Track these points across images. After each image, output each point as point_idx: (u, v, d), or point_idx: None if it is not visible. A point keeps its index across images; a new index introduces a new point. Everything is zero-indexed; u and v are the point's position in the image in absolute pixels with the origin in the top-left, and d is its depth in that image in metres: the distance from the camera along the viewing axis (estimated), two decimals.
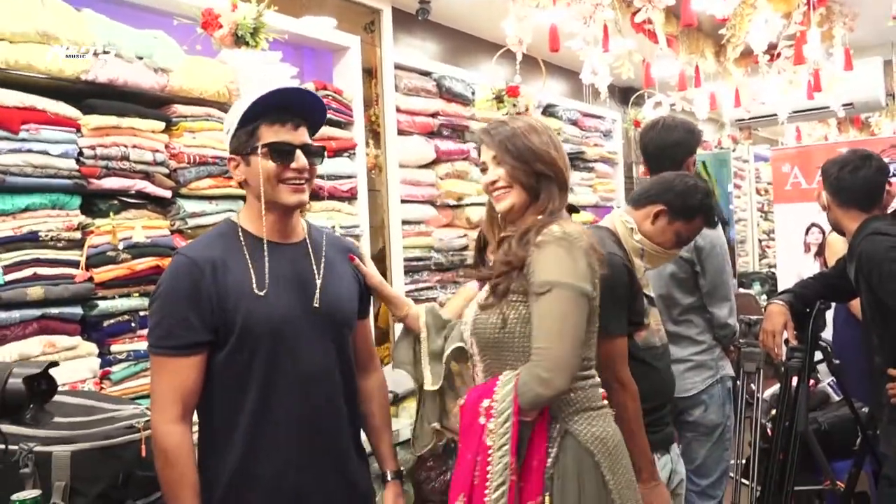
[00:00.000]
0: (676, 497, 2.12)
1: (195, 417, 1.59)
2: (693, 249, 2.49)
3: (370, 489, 1.71)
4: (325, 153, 1.63)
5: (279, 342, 1.50)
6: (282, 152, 1.50)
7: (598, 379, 1.58)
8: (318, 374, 1.55)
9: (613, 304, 1.73)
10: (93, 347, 2.30)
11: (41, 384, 1.72)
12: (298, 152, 1.52)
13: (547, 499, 1.42)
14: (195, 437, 1.59)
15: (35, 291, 2.16)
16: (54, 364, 1.74)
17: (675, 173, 2.14)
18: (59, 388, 1.79)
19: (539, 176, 1.55)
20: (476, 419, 1.45)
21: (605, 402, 1.58)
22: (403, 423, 2.73)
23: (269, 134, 1.50)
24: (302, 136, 1.55)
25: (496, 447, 1.39)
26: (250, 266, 1.51)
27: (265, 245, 1.54)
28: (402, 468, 1.83)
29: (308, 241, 1.64)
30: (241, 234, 1.55)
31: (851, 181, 2.18)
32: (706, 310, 2.54)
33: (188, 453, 1.48)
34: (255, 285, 1.49)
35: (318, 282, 1.58)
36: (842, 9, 4.36)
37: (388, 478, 1.74)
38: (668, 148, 2.53)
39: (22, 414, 1.67)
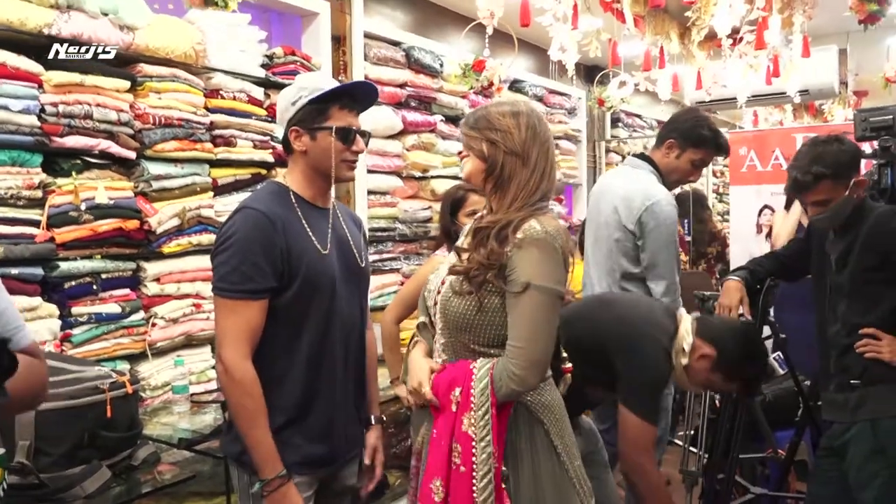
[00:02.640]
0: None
1: None
2: (637, 223, 2.54)
3: (362, 418, 1.90)
4: (370, 136, 1.82)
5: (332, 293, 1.69)
6: (348, 136, 1.69)
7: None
8: (354, 322, 1.77)
9: (654, 399, 2.00)
10: (53, 309, 2.28)
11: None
12: (358, 136, 1.72)
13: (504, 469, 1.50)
14: None
15: None
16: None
17: (740, 323, 2.22)
18: None
19: (493, 145, 1.53)
20: (448, 406, 1.51)
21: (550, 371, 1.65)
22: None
23: (340, 117, 1.69)
24: (360, 121, 1.76)
25: (478, 438, 1.46)
26: (307, 226, 1.68)
27: (325, 211, 1.75)
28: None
29: (335, 207, 1.83)
30: (293, 196, 1.71)
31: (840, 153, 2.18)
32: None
33: (259, 386, 1.59)
34: (318, 244, 1.68)
35: (355, 244, 1.80)
36: None
37: (373, 421, 1.92)
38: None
39: None
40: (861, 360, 2.12)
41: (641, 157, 2.75)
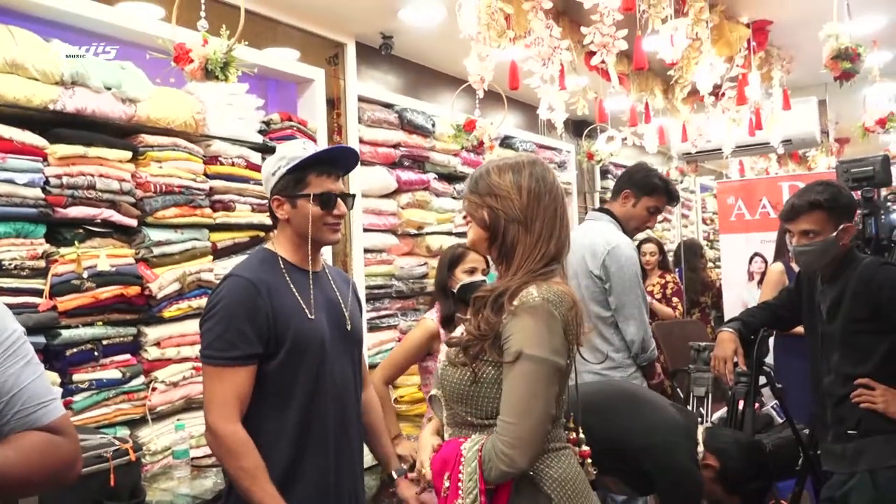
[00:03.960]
0: None
1: None
2: (601, 267, 2.68)
3: (364, 489, 1.91)
4: (355, 198, 1.87)
5: (322, 358, 1.70)
6: (327, 201, 1.72)
7: (562, 419, 1.52)
8: (346, 385, 1.77)
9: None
10: (55, 377, 2.29)
11: None
12: (339, 200, 1.75)
13: None
14: None
15: None
16: None
17: (745, 441, 2.26)
18: None
19: (494, 212, 1.47)
20: (440, 491, 1.43)
21: (567, 443, 1.52)
22: (366, 450, 2.76)
23: (318, 184, 1.72)
24: (341, 185, 1.79)
25: None
26: (295, 291, 1.70)
27: (309, 274, 1.76)
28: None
29: (326, 270, 1.86)
30: (281, 262, 1.73)
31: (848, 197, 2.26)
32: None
33: (253, 445, 1.60)
34: (306, 309, 1.69)
35: (345, 307, 1.81)
36: (780, 52, 4.64)
37: (396, 475, 1.94)
38: None
39: None
40: (856, 410, 2.14)
41: (601, 209, 2.97)
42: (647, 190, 2.82)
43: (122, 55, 2.60)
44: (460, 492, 1.36)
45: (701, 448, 2.02)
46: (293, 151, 1.73)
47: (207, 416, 1.61)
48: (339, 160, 1.78)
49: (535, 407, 1.35)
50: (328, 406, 1.71)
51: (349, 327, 1.81)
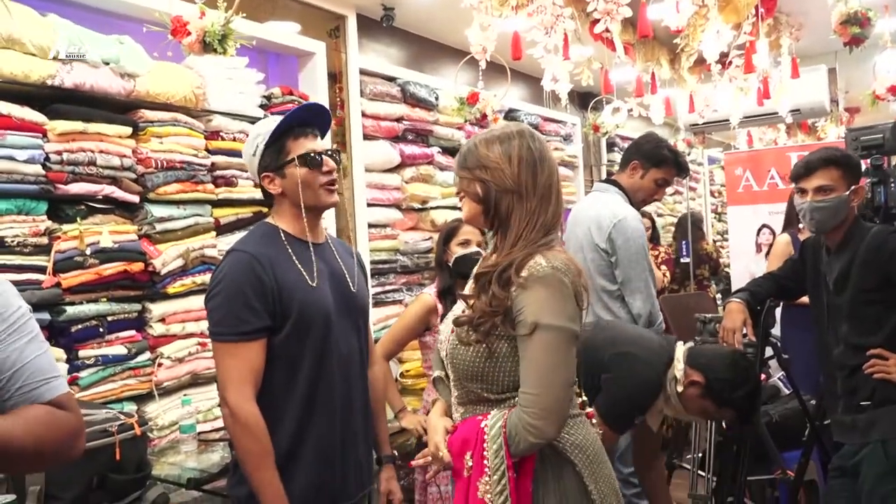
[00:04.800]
0: None
1: None
2: (607, 240, 2.65)
3: (372, 458, 1.89)
4: (341, 153, 1.76)
5: (327, 329, 1.69)
6: (313, 160, 1.69)
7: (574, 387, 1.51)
8: (352, 355, 1.76)
9: (627, 412, 2.04)
10: (61, 353, 2.30)
11: None
12: (325, 157, 1.71)
13: None
14: None
15: None
16: None
17: (735, 351, 2.26)
18: None
19: (485, 185, 1.44)
20: (461, 471, 1.41)
21: (581, 409, 1.53)
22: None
23: (297, 147, 1.69)
24: (322, 143, 1.75)
25: None
26: (297, 262, 1.68)
27: (310, 245, 1.73)
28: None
29: (329, 241, 1.84)
30: (282, 234, 1.71)
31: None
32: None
33: (265, 427, 1.59)
34: (308, 279, 1.67)
35: (350, 278, 1.79)
36: (788, 20, 4.55)
37: (385, 460, 1.93)
38: None
39: None
40: (869, 381, 2.13)
41: (608, 180, 2.92)
42: (655, 161, 2.78)
43: (119, 29, 2.57)
44: (486, 469, 1.36)
45: (682, 367, 2.04)
46: (265, 126, 1.72)
47: (225, 394, 1.60)
48: (312, 119, 1.75)
49: (557, 376, 1.35)
50: (334, 376, 1.71)
51: (355, 294, 1.80)
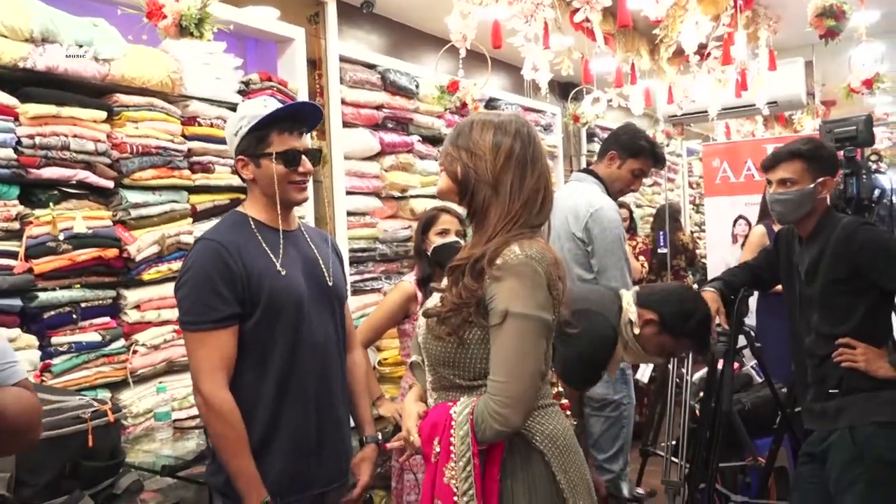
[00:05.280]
0: None
1: None
2: (584, 230, 2.67)
3: (351, 445, 1.90)
4: (321, 153, 1.82)
5: (300, 316, 1.69)
6: (291, 159, 1.70)
7: (547, 376, 1.51)
8: (327, 342, 1.76)
9: (592, 368, 2.04)
10: (33, 339, 2.27)
11: None
12: (304, 157, 1.72)
13: None
14: None
15: None
16: None
17: (683, 286, 2.34)
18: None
19: (465, 168, 1.42)
20: (428, 459, 1.42)
21: (554, 399, 1.52)
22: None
23: (280, 142, 1.69)
24: (305, 141, 1.76)
25: (460, 493, 1.34)
26: (267, 250, 1.69)
27: (280, 233, 1.73)
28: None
29: (302, 229, 1.85)
30: (252, 223, 1.72)
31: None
32: None
33: (240, 415, 1.60)
34: (277, 265, 1.67)
35: (324, 263, 1.80)
36: (766, 12, 4.59)
37: (367, 441, 1.94)
38: None
39: None
40: (838, 369, 2.17)
41: (586, 170, 2.95)
42: (632, 152, 2.80)
43: (94, 12, 2.52)
44: (452, 455, 1.36)
45: (634, 310, 2.08)
46: (254, 109, 1.71)
47: (198, 383, 1.60)
48: (301, 116, 1.75)
49: (525, 365, 1.34)
50: (308, 363, 1.71)
51: (330, 283, 1.79)
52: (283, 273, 1.68)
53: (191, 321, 1.61)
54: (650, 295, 2.15)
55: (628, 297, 2.12)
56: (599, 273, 2.67)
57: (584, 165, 6.12)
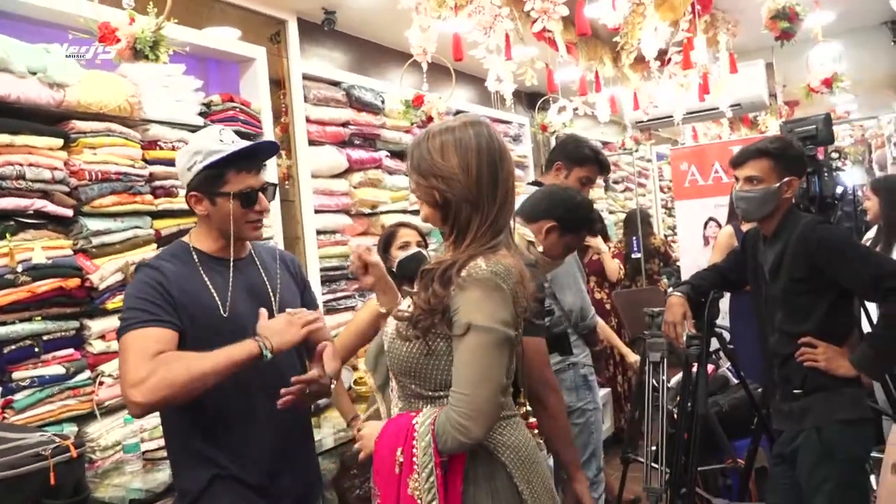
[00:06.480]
0: None
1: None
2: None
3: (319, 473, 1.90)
4: (277, 187, 1.79)
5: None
6: (248, 199, 1.67)
7: (509, 388, 1.50)
8: (283, 371, 1.66)
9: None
10: None
11: None
12: (260, 195, 1.70)
13: None
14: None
15: None
16: None
17: (560, 187, 2.29)
18: None
19: (442, 193, 1.42)
20: (392, 469, 1.39)
21: (516, 410, 1.53)
22: (326, 432, 2.74)
23: (237, 181, 1.66)
24: (262, 177, 1.72)
25: (424, 503, 1.34)
26: (209, 285, 1.65)
27: (229, 262, 1.70)
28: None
29: (253, 252, 1.80)
30: (194, 254, 1.69)
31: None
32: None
33: (163, 358, 1.49)
34: (220, 307, 1.64)
35: (273, 293, 1.75)
36: (724, 16, 4.66)
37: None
38: None
39: None
40: (801, 369, 2.17)
41: (535, 183, 2.98)
42: (577, 160, 2.85)
43: (44, 38, 2.48)
44: (415, 466, 1.35)
45: (525, 229, 2.15)
46: (209, 144, 1.65)
47: (125, 388, 1.47)
48: (258, 153, 1.72)
49: (488, 377, 1.34)
50: (266, 394, 1.64)
51: (276, 310, 1.71)
52: (226, 315, 1.64)
53: (124, 326, 1.54)
54: (533, 206, 2.24)
55: (517, 227, 2.06)
56: (552, 281, 2.61)
57: None
